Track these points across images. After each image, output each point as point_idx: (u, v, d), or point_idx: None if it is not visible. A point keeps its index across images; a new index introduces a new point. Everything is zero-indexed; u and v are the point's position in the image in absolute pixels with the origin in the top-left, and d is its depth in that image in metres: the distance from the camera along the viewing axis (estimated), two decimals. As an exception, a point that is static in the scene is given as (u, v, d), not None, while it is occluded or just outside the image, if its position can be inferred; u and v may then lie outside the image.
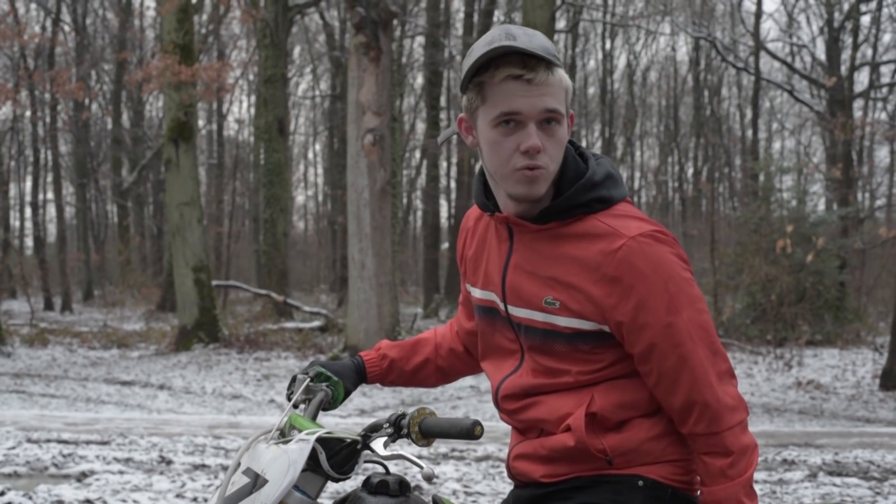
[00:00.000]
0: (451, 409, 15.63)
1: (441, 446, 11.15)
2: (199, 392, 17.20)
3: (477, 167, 2.79)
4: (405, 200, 42.32)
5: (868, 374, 21.07)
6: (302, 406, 2.93)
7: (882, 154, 43.51)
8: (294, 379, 2.98)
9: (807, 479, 9.73)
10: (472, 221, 2.94)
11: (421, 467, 2.48)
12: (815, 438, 12.94)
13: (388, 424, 2.61)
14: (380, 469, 2.69)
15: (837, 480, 9.77)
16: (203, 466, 9.55)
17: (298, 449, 2.55)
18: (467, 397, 16.85)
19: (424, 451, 10.81)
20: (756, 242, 25.04)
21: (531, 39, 2.56)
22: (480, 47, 2.58)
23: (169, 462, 9.75)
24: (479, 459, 10.32)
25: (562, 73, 2.60)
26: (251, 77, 44.02)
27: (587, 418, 2.63)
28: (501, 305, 2.76)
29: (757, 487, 9.11)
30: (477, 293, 2.86)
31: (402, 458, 2.55)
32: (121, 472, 9.06)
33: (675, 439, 2.71)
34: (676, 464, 2.70)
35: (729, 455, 2.59)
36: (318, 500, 2.64)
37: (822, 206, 34.44)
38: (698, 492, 2.71)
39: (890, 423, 15.94)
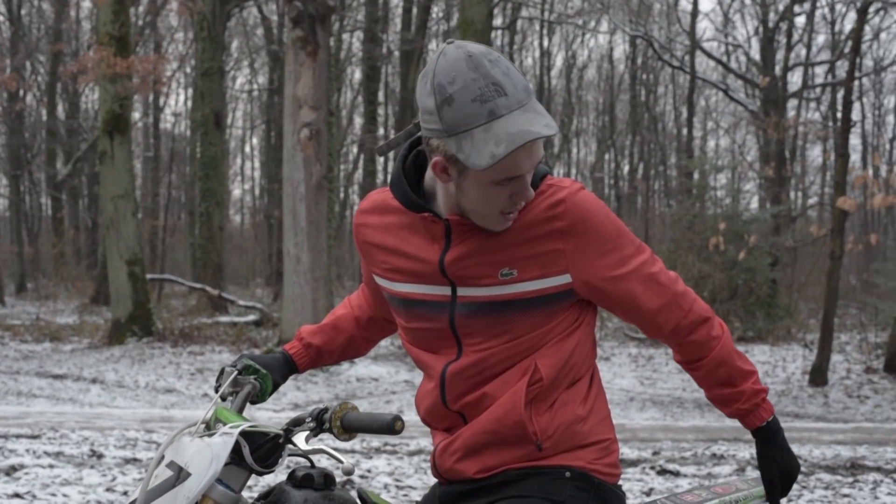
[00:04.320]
0: (385, 403, 15.66)
1: (374, 441, 11.18)
2: (131, 386, 17.09)
3: (395, 162, 2.72)
4: (342, 195, 42.21)
5: (798, 370, 21.34)
6: (229, 399, 2.95)
7: (814, 153, 44.09)
8: (222, 372, 2.99)
9: (735, 473, 9.86)
10: (369, 216, 2.92)
11: (341, 461, 2.50)
12: (744, 433, 13.08)
13: (310, 419, 2.63)
14: (306, 463, 2.72)
15: (765, 475, 9.90)
16: (134, 460, 9.52)
17: (222, 442, 2.56)
18: (401, 392, 16.89)
19: (357, 445, 10.83)
20: (689, 240, 25.28)
21: (510, 78, 2.54)
22: (480, 116, 2.51)
23: (100, 456, 9.70)
24: (411, 454, 10.36)
25: None
26: (188, 70, 43.76)
27: (528, 390, 2.68)
28: (444, 292, 2.75)
29: (685, 482, 9.23)
30: (399, 288, 2.84)
31: (323, 452, 2.57)
32: (51, 466, 9.00)
33: (599, 419, 2.81)
34: (600, 446, 2.79)
35: (705, 321, 2.80)
36: (242, 494, 2.66)
37: (755, 205, 34.85)
38: (619, 480, 2.82)
39: (818, 419, 16.18)
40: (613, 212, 2.75)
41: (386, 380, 18.74)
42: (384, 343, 22.82)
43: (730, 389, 2.82)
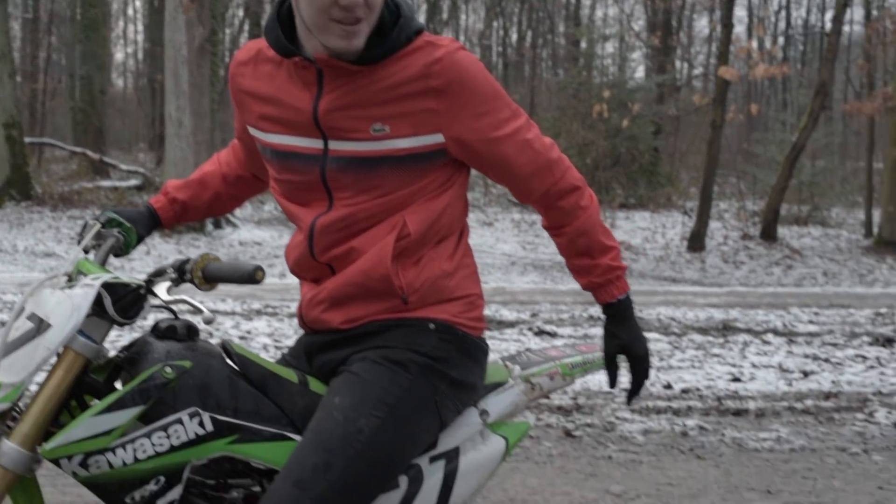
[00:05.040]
0: (269, 266, 15.66)
1: (255, 303, 11.20)
2: (9, 250, 16.86)
3: (270, 11, 2.70)
4: (226, 59, 41.54)
5: (677, 236, 21.76)
6: (93, 251, 2.93)
7: (701, 24, 44.38)
8: (85, 224, 2.96)
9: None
10: (244, 66, 2.89)
11: (201, 311, 2.51)
12: (621, 297, 13.34)
13: (171, 269, 2.63)
14: (168, 315, 2.73)
15: (639, 336, 10.14)
16: (12, 323, 9.43)
17: (83, 294, 2.55)
18: (283, 256, 16.87)
19: (238, 307, 10.85)
20: (574, 107, 25.41)
21: None
22: None
23: (-24, 319, 9.61)
24: (291, 315, 10.41)
25: None
26: (66, -73, 42.40)
27: (396, 245, 2.70)
28: (316, 145, 2.73)
29: (561, 342, 9.43)
30: (272, 139, 2.81)
31: (184, 303, 2.58)
32: (-75, 329, 8.89)
33: (465, 274, 2.84)
34: (465, 300, 2.82)
35: (575, 189, 2.81)
36: (104, 345, 2.66)
37: (641, 74, 35.03)
38: (483, 333, 2.87)
39: (694, 283, 16.54)
40: (499, 80, 2.76)
41: (269, 243, 18.72)
42: (268, 207, 22.73)
43: (587, 261, 2.84)
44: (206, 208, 3.23)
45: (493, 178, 2.84)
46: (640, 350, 2.91)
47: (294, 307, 10.81)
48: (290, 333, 9.28)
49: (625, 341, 2.90)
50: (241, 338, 9.02)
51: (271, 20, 2.75)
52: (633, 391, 2.99)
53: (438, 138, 2.68)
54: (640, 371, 2.94)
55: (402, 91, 2.66)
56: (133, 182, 24.85)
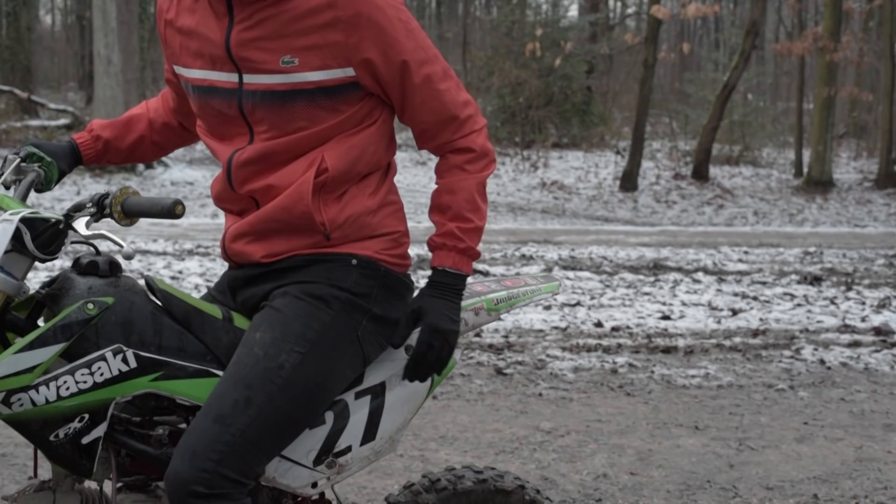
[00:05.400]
0: (200, 206, 15.56)
1: (186, 243, 11.13)
2: (-65, 190, 16.60)
3: None
4: (157, -4, 41.00)
5: (610, 176, 21.86)
6: (13, 187, 2.88)
7: (635, -39, 44.21)
8: (5, 160, 2.91)
9: (542, 272, 10.12)
10: (168, 2, 2.86)
11: (121, 246, 2.48)
12: (554, 236, 13.42)
13: (91, 204, 2.59)
14: (90, 250, 2.70)
15: (571, 274, 10.21)
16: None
17: (1, 230, 2.50)
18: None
19: (170, 247, 10.78)
20: (507, 46, 25.33)
21: None
22: None
23: None
24: (223, 256, 10.37)
25: None
26: None
27: (315, 181, 2.67)
28: (232, 78, 2.71)
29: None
30: (193, 74, 2.79)
31: (103, 238, 2.55)
32: None
33: (390, 211, 2.81)
34: (389, 237, 2.80)
35: (471, 152, 2.75)
36: (25, 282, 2.62)
37: (574, 13, 34.97)
38: (408, 270, 2.85)
39: (626, 223, 16.65)
40: (431, 17, 2.71)
41: (201, 184, 18.58)
42: (200, 147, 22.54)
43: (438, 217, 2.77)
44: (128, 150, 3.17)
45: (397, 114, 2.80)
46: (448, 334, 2.75)
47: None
48: (221, 272, 9.23)
49: (433, 318, 2.74)
50: (173, 277, 8.98)
51: None
52: (415, 366, 2.79)
53: (349, 72, 2.65)
54: (431, 348, 2.75)
55: (309, 22, 2.62)
56: (62, 121, 24.50)
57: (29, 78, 29.59)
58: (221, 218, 13.48)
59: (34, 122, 24.61)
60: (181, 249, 10.69)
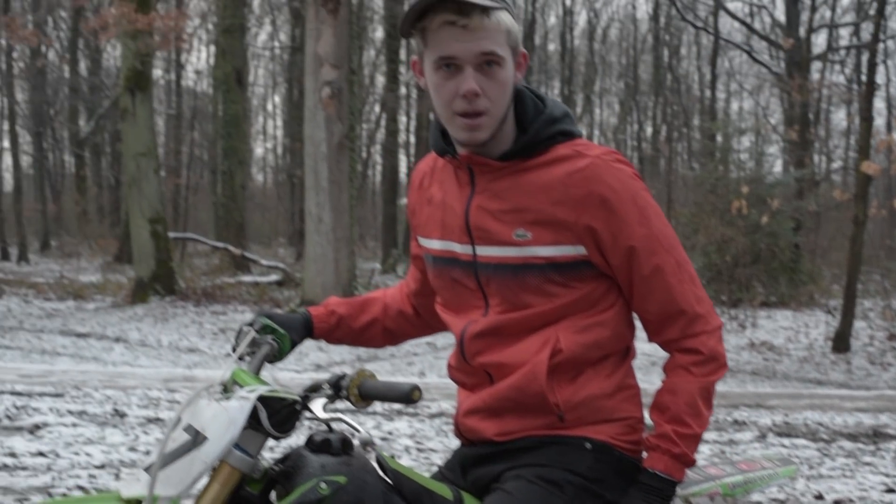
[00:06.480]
0: (407, 364, 15.69)
1: (395, 403, 11.18)
2: (154, 345, 17.15)
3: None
4: (364, 155, 42.18)
5: (821, 336, 21.28)
6: (247, 359, 2.92)
7: (839, 116, 43.71)
8: (240, 331, 2.96)
9: (756, 439, 9.84)
10: (423, 174, 2.93)
11: (358, 431, 2.49)
12: (766, 399, 13.07)
13: (327, 385, 2.62)
14: (323, 427, 2.71)
15: (786, 441, 9.89)
16: (157, 420, 9.55)
17: (239, 407, 2.54)
18: (423, 354, 16.90)
19: (378, 407, 10.84)
20: (712, 203, 25.12)
21: None
22: None
23: (123, 415, 9.73)
24: (432, 416, 10.37)
25: (501, 16, 2.60)
26: (210, 27, 43.64)
27: (550, 362, 2.64)
28: (468, 250, 2.73)
29: (706, 448, 9.22)
30: (434, 245, 2.84)
31: (341, 421, 2.56)
32: (74, 425, 9.04)
33: (626, 396, 2.76)
34: (625, 422, 2.74)
35: (698, 354, 2.66)
36: (259, 458, 2.64)
37: (778, 168, 34.62)
38: (644, 453, 2.75)
39: (840, 386, 16.13)
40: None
41: (412, 341, 18.75)
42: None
43: (656, 416, 2.70)
44: (359, 331, 3.20)
45: (626, 299, 2.75)
46: None
47: (435, 408, 10.78)
48: (432, 435, 9.22)
49: None
50: (383, 439, 9.00)
51: (434, 121, 2.80)
52: None
53: (580, 250, 2.64)
54: None
55: (543, 197, 2.64)
56: (273, 277, 25.20)
57: (242, 234, 30.59)
58: (429, 378, 13.59)
59: (247, 278, 25.37)
60: (390, 409, 10.74)
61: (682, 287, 2.67)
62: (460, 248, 2.76)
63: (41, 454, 7.84)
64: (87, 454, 7.88)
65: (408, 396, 2.52)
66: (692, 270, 2.72)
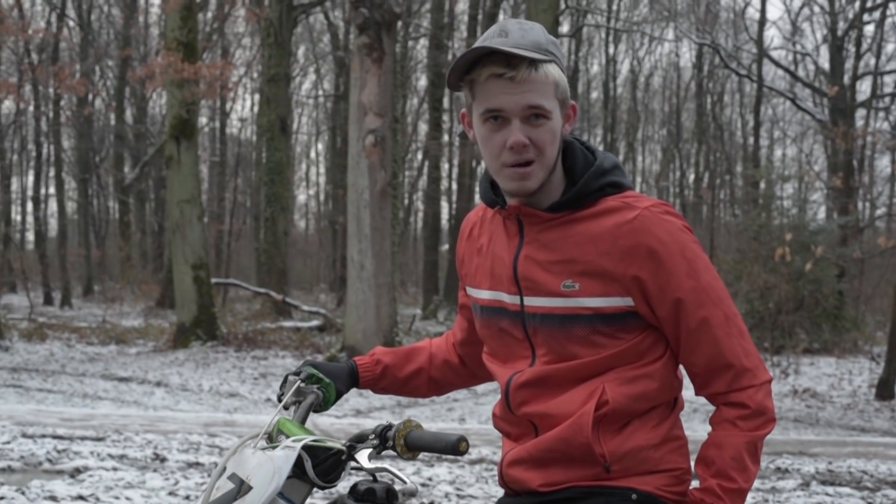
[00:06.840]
0: (447, 411, 15.65)
1: (435, 449, 11.15)
2: (195, 390, 17.20)
3: (482, 167, 2.84)
4: (406, 202, 42.29)
5: (864, 383, 21.08)
6: (292, 408, 2.92)
7: (883, 164, 43.44)
8: (286, 380, 2.96)
9: (800, 487, 9.74)
10: (473, 224, 2.94)
11: (404, 482, 2.48)
12: (809, 447, 12.95)
13: (373, 436, 2.61)
14: (368, 476, 2.70)
15: (830, 490, 9.79)
16: (197, 464, 9.57)
17: (284, 456, 2.54)
18: (464, 399, 16.86)
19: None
20: (755, 250, 25.03)
21: (524, 34, 2.60)
22: (474, 45, 2.62)
23: (163, 459, 9.76)
24: (472, 462, 10.33)
25: (549, 69, 2.61)
26: (255, 76, 44.05)
27: (596, 414, 2.63)
28: (515, 300, 2.73)
29: (749, 497, 9.12)
30: (483, 294, 2.84)
31: (387, 472, 2.55)
32: (114, 469, 9.07)
33: (673, 447, 2.73)
34: (671, 474, 2.71)
35: (745, 408, 2.63)
36: (304, 507, 2.64)
37: (822, 215, 34.46)
38: None
39: (885, 433, 15.95)
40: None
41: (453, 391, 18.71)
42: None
43: (701, 470, 2.67)
44: (404, 380, 3.19)
45: (673, 351, 2.73)
46: None
47: (476, 454, 10.74)
48: (472, 481, 9.19)
49: None
50: (423, 485, 8.97)
51: (484, 172, 2.82)
52: None
53: (628, 301, 2.64)
54: None
55: (592, 248, 2.64)
56: (314, 323, 25.26)
57: (284, 280, 30.73)
58: (469, 425, 13.55)
59: (287, 324, 25.44)
60: (430, 456, 10.72)
61: (729, 340, 2.64)
62: (508, 299, 2.76)
63: (81, 498, 7.86)
64: (128, 498, 7.89)
65: (455, 448, 2.50)
66: (741, 324, 2.69)
